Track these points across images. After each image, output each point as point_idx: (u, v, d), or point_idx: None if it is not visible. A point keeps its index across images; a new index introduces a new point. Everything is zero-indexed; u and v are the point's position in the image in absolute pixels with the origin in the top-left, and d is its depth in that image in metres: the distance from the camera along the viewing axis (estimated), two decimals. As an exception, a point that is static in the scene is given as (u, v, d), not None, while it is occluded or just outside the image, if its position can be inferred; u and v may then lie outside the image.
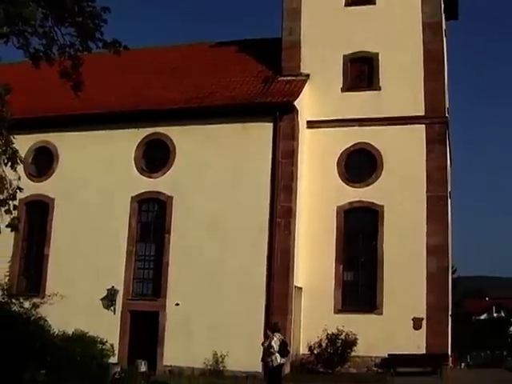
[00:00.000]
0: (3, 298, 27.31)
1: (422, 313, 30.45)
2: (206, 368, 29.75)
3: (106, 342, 28.93)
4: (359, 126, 32.52)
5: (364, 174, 32.53)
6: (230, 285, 30.17)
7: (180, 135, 32.58)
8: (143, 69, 36.27)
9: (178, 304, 30.93)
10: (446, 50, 34.36)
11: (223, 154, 31.82)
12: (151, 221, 33.67)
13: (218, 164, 31.78)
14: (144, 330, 31.61)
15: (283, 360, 23.19)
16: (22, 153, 17.89)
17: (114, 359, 29.43)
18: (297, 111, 31.55)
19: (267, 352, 22.54)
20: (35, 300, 28.58)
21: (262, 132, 31.45)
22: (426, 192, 31.45)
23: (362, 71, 33.78)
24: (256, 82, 33.69)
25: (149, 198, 33.31)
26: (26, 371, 25.22)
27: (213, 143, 31.98)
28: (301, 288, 31.75)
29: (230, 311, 29.77)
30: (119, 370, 27.85)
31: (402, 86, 32.45)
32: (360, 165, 32.73)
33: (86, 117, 33.28)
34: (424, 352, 30.01)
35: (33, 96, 35.01)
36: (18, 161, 15.81)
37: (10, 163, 15.42)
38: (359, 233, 32.84)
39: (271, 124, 31.44)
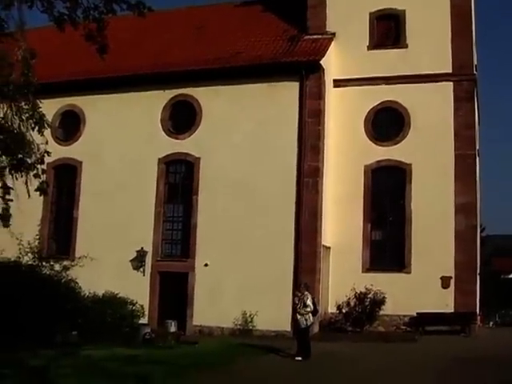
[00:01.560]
0: (34, 261, 27.64)
1: (451, 271, 30.39)
2: (236, 327, 30.02)
3: (136, 303, 29.25)
4: (386, 84, 32.18)
5: (391, 133, 32.30)
6: (258, 245, 30.22)
7: (206, 96, 32.48)
8: (168, 30, 36.07)
9: (206, 264, 31.08)
10: (473, 5, 33.75)
11: (250, 114, 31.71)
12: (179, 182, 33.75)
13: (244, 124, 31.68)
14: (173, 290, 31.83)
15: (313, 319, 23.47)
16: (49, 117, 17.94)
17: (144, 320, 29.77)
18: (323, 70, 31.31)
19: (300, 311, 22.72)
20: (65, 262, 28.96)
21: (288, 92, 31.27)
22: (454, 150, 31.19)
23: (388, 28, 33.35)
24: (282, 42, 33.40)
25: (176, 160, 33.32)
26: (58, 333, 25.59)
27: (239, 103, 31.88)
28: (329, 247, 31.77)
29: (259, 271, 29.86)
30: (149, 330, 28.21)
31: (429, 43, 31.99)
32: (387, 123, 32.48)
33: (112, 80, 33.23)
34: (452, 311, 30.00)
35: (58, 60, 34.97)
36: (45, 125, 15.87)
37: (37, 127, 15.48)
38: (387, 192, 32.67)
39: (297, 83, 31.24)
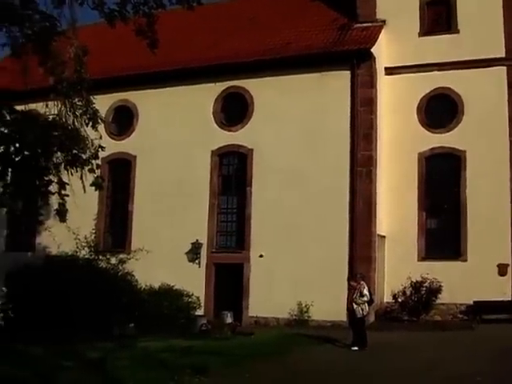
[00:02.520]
0: (91, 255, 28.05)
1: (508, 259, 29.97)
2: (291, 318, 30.04)
3: (192, 294, 29.53)
4: (438, 70, 31.77)
5: (445, 120, 31.91)
6: (313, 235, 30.20)
7: (258, 87, 32.48)
8: (218, 23, 36.12)
9: (261, 256, 31.14)
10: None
11: (301, 104, 31.61)
12: (232, 174, 33.85)
13: (296, 114, 31.59)
14: (229, 282, 31.99)
15: (369, 309, 23.44)
16: (103, 112, 18.15)
17: (200, 311, 30.03)
18: (374, 58, 31.09)
19: (357, 301, 22.70)
20: (121, 256, 29.38)
21: (339, 81, 31.12)
22: (509, 136, 30.72)
23: (439, 14, 32.89)
24: (332, 31, 33.20)
25: (229, 152, 33.42)
26: (115, 325, 25.96)
27: (290, 94, 31.79)
28: (384, 236, 31.60)
29: (314, 261, 29.83)
30: (206, 321, 28.43)
31: (481, 28, 31.42)
32: (440, 110, 32.08)
33: (163, 73, 33.44)
34: (510, 299, 29.60)
35: (110, 56, 35.29)
36: (99, 120, 16.09)
37: (91, 123, 15.70)
38: (441, 179, 32.28)
39: (348, 72, 31.08)
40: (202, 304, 30.80)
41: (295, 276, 30.03)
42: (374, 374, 17.06)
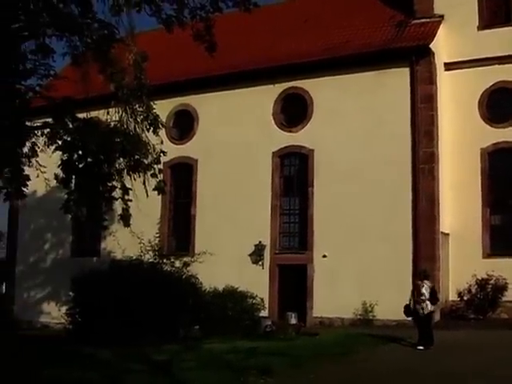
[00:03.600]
0: (155, 259, 28.32)
1: None
2: (356, 318, 29.93)
3: (256, 296, 29.56)
4: (499, 64, 31.31)
5: (507, 114, 31.41)
6: (376, 234, 30.02)
7: (316, 87, 32.41)
8: (274, 24, 36.13)
9: (325, 256, 31.09)
10: None
11: (360, 102, 31.43)
12: (293, 175, 33.85)
13: (356, 113, 31.45)
14: (292, 282, 32.00)
15: (433, 307, 23.17)
16: (163, 117, 18.36)
17: (264, 313, 30.07)
18: (433, 54, 30.78)
19: (417, 300, 22.52)
20: (185, 259, 29.58)
21: (398, 78, 30.89)
22: None
23: (498, 7, 32.43)
24: (389, 28, 32.96)
25: (290, 153, 33.43)
26: (180, 328, 26.19)
27: (349, 92, 31.65)
28: (447, 234, 31.27)
29: (377, 260, 29.66)
30: (270, 322, 28.47)
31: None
32: (502, 104, 31.56)
33: (222, 76, 33.65)
34: None
35: (168, 61, 35.58)
36: (160, 125, 16.28)
37: (152, 128, 15.91)
38: (505, 175, 31.80)
39: (407, 69, 30.83)
40: (267, 305, 30.84)
41: (359, 275, 29.92)
42: (441, 374, 16.88)
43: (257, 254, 32.46)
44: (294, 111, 33.39)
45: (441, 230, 30.16)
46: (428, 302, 22.58)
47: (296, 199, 33.47)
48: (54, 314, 33.93)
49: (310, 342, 23.85)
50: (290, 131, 33.14)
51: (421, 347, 21.80)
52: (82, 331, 24.93)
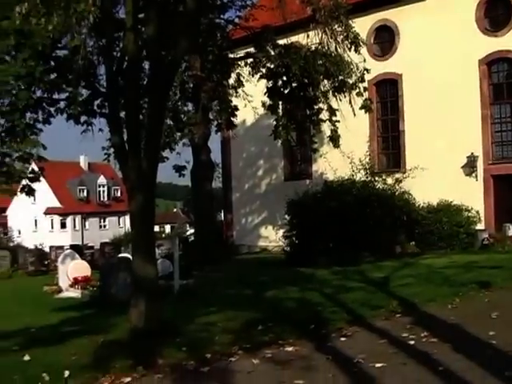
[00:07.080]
0: (367, 177, 28.45)
1: None
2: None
3: (472, 209, 29.13)
4: None
5: None
6: None
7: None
8: None
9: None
10: None
11: None
12: (502, 82, 32.51)
13: None
14: (509, 193, 31.02)
15: None
16: (363, 35, 18.25)
17: (480, 226, 29.57)
18: None
19: None
20: (397, 175, 29.51)
21: None
22: None
23: None
24: None
25: (497, 59, 32.05)
26: (397, 244, 26.32)
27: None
28: None
29: None
30: (487, 235, 27.98)
31: None
32: None
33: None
34: None
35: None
36: (361, 43, 16.22)
37: (353, 47, 15.89)
38: None
39: None
40: (482, 218, 30.27)
41: None
42: None
43: (469, 166, 31.70)
44: (498, 13, 31.80)
45: None
46: None
47: (507, 106, 32.21)
48: (272, 237, 35.03)
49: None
50: (496, 36, 31.63)
51: None
52: (300, 253, 25.58)
